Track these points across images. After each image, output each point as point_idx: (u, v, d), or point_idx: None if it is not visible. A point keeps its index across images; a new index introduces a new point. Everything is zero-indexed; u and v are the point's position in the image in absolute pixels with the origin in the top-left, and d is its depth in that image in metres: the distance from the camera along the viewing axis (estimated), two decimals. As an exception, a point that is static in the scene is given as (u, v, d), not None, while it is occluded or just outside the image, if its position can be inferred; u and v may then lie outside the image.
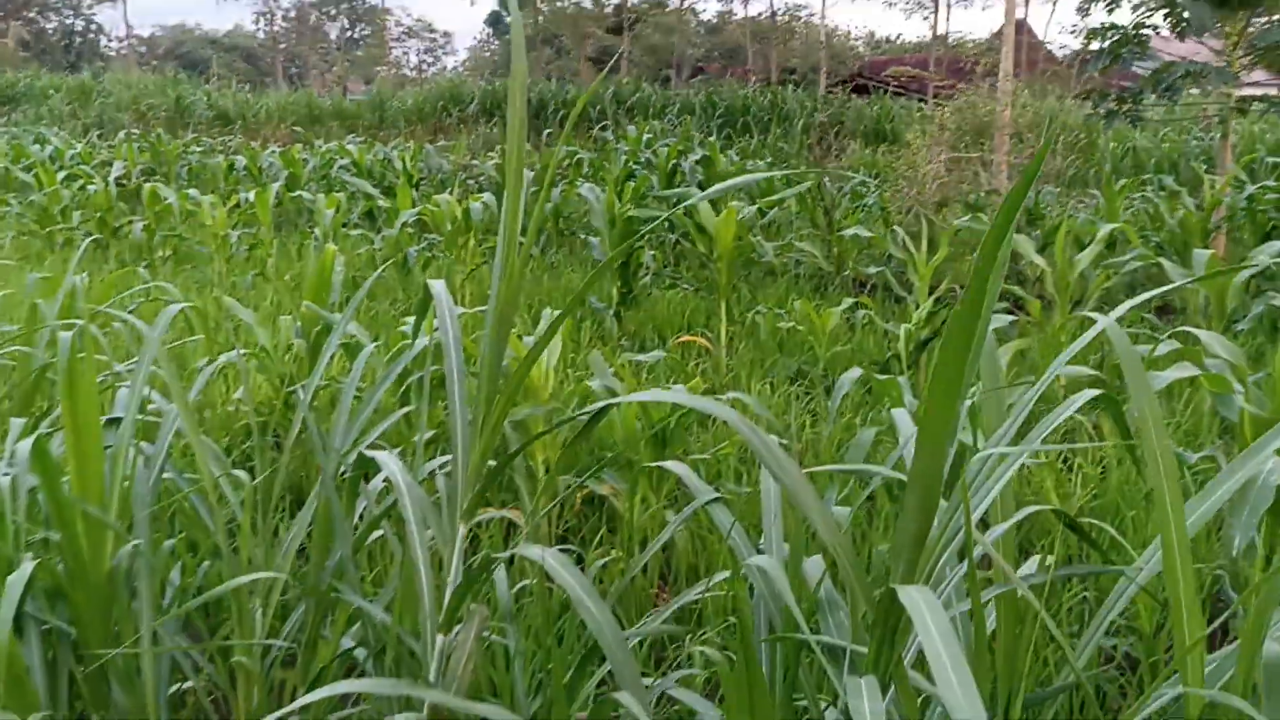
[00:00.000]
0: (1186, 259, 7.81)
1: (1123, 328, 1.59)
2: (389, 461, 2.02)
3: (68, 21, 64.32)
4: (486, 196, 8.07)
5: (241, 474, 2.32)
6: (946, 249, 6.38)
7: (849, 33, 29.39)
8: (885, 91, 22.83)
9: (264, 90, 34.52)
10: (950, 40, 22.82)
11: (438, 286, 2.03)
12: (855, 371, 3.05)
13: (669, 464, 2.35)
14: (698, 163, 9.92)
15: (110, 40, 65.77)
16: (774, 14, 27.33)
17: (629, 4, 31.60)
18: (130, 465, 2.30)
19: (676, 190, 7.15)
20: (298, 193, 9.46)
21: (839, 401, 3.03)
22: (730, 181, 6.83)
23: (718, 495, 2.07)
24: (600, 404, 1.84)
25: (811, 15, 35.53)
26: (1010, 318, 6.64)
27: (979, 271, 1.34)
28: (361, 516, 2.46)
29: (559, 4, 31.65)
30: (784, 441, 1.88)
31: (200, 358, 6.25)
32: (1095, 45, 10.34)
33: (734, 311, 7.32)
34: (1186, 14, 9.29)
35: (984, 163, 9.32)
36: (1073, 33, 23.10)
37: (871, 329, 7.19)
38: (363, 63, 61.80)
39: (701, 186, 9.99)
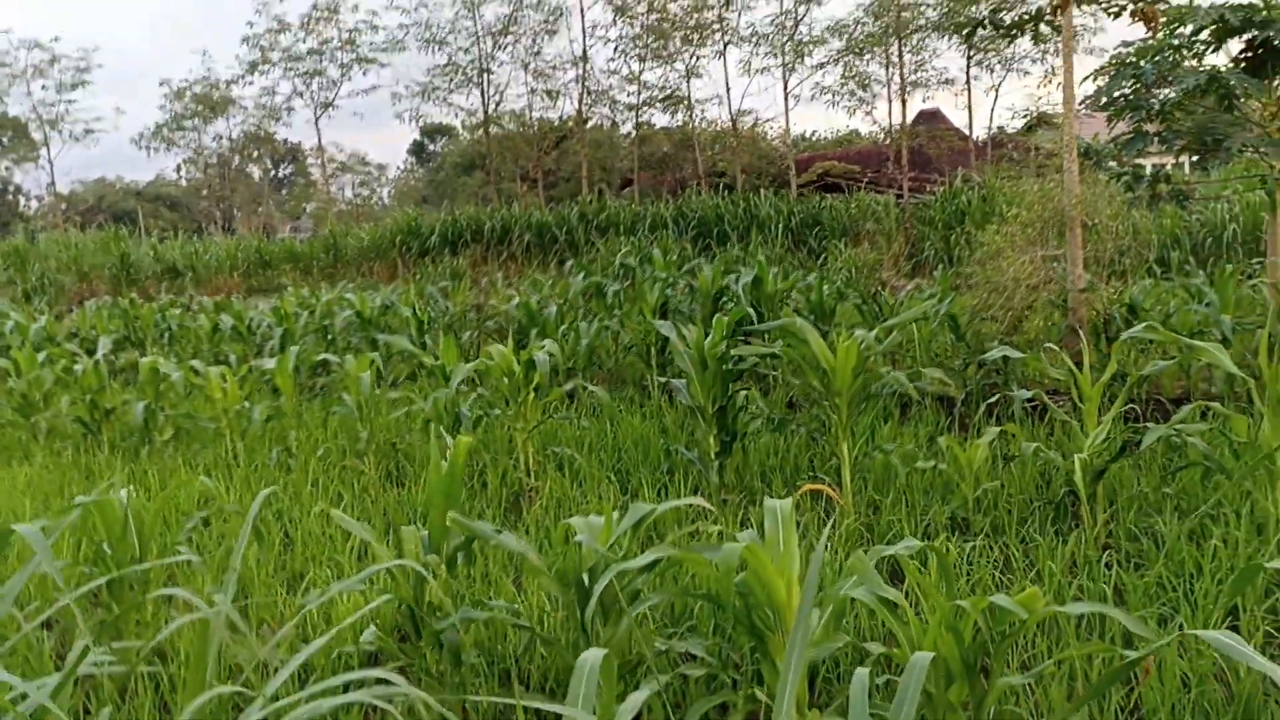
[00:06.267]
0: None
1: None
2: None
3: (-15, 185, 62.85)
4: (548, 344, 7.20)
5: None
6: (1115, 364, 5.64)
7: (765, 133, 28.73)
8: (858, 188, 22.60)
9: (201, 238, 33.61)
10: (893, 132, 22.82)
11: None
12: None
13: None
14: (748, 284, 9.17)
15: (29, 200, 64.37)
16: (734, 120, 27.30)
17: (560, 120, 31.44)
18: None
19: (777, 322, 6.38)
20: (323, 356, 8.45)
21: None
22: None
23: None
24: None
25: (767, 120, 35.23)
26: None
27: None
28: None
29: (492, 129, 31.15)
30: None
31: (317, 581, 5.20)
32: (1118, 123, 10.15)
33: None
34: (1233, 84, 8.99)
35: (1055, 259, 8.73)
36: (1019, 116, 23.45)
37: (1014, 462, 6.38)
38: (289, 203, 60.99)
39: (754, 309, 9.25)
